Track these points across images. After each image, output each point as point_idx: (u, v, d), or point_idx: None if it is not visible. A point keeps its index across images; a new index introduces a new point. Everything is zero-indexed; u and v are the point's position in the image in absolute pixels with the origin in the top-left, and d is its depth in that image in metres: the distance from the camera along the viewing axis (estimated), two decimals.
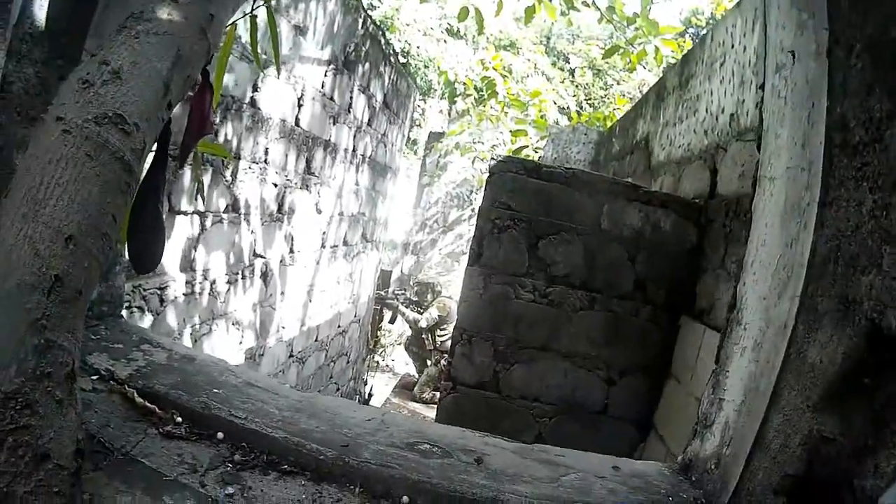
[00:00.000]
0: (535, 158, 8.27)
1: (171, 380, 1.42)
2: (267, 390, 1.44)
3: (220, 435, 1.31)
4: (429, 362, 9.65)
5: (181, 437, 1.30)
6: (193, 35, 1.28)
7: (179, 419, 1.33)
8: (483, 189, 3.40)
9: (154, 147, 1.48)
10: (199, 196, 3.10)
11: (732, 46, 3.41)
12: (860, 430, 1.17)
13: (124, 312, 2.78)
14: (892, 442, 1.11)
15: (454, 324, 3.55)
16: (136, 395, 1.34)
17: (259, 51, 3.51)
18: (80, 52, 1.65)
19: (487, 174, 3.39)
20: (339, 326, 6.85)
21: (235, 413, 1.31)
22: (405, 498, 1.33)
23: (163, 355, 1.55)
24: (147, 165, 1.57)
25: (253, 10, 1.70)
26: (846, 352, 1.20)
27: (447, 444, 1.27)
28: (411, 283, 11.03)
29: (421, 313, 9.61)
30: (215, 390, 1.41)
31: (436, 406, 9.70)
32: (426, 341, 9.59)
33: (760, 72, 2.90)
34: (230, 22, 1.82)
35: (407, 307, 9.82)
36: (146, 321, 3.04)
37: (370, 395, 8.44)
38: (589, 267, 3.30)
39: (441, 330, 9.50)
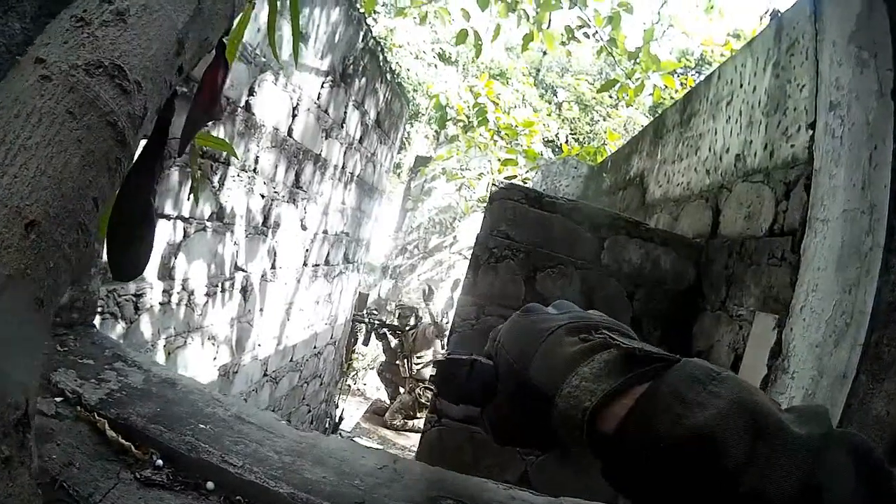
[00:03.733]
0: None
1: (150, 409, 1.16)
2: (261, 428, 1.21)
3: (209, 485, 1.09)
4: (402, 389, 9.50)
5: (162, 486, 1.05)
6: None
7: (160, 462, 1.06)
8: (482, 216, 3.27)
9: (153, 122, 1.18)
10: (192, 196, 2.88)
11: (741, 86, 3.36)
12: None
13: (97, 319, 2.59)
14: None
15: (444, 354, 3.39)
16: (107, 426, 1.08)
17: (258, 53, 3.39)
18: None
19: (487, 200, 3.27)
20: (314, 347, 6.66)
21: (229, 459, 1.07)
22: None
23: (139, 377, 1.31)
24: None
25: None
26: None
27: (471, 497, 1.10)
28: (395, 305, 10.85)
29: (398, 337, 9.48)
30: (202, 426, 1.15)
31: (407, 432, 9.54)
32: (401, 368, 9.44)
33: (770, 112, 2.84)
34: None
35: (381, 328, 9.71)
36: (118, 329, 2.85)
37: (340, 418, 8.24)
38: (587, 302, 3.17)
39: (417, 357, 9.36)
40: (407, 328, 9.49)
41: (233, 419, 1.23)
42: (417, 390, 9.06)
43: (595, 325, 0.78)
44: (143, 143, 1.20)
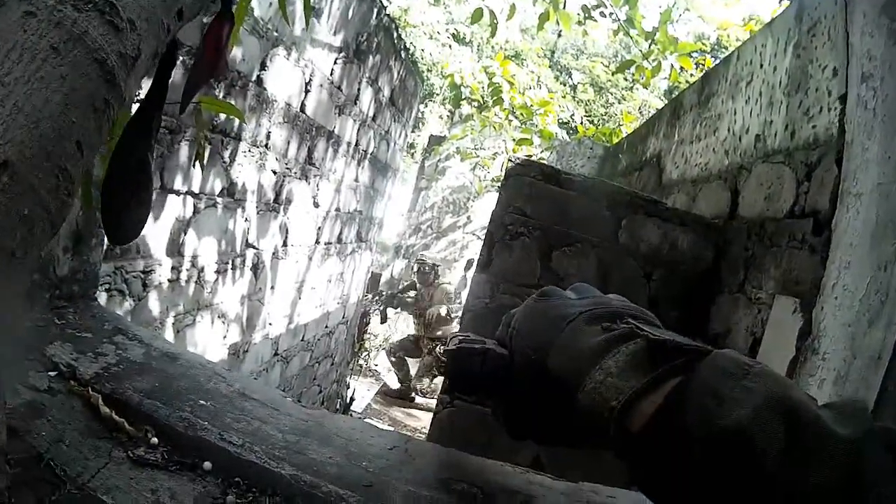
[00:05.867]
0: None
1: (148, 384, 1.08)
2: (266, 405, 1.14)
3: (206, 465, 1.00)
4: (414, 362, 9.50)
5: (156, 465, 0.98)
6: None
7: (155, 440, 0.95)
8: (498, 193, 3.21)
9: (152, 73, 1.06)
10: (196, 164, 2.80)
11: (761, 66, 3.28)
12: None
13: (103, 296, 2.56)
14: None
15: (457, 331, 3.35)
16: (100, 401, 1.00)
17: (270, 27, 3.34)
18: None
19: (504, 176, 3.21)
20: (326, 327, 6.64)
21: (229, 437, 0.99)
22: None
23: (139, 351, 1.24)
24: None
25: None
26: None
27: (487, 482, 1.03)
28: (416, 260, 10.79)
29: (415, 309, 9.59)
30: (201, 402, 1.07)
31: (418, 409, 9.51)
32: (418, 326, 9.50)
33: (791, 93, 2.77)
34: None
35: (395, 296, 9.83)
36: (126, 307, 2.82)
37: (352, 399, 8.24)
38: (602, 282, 3.11)
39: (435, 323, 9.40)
40: (430, 285, 9.48)
41: (235, 395, 1.16)
42: (436, 350, 9.03)
43: (618, 312, 0.71)
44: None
